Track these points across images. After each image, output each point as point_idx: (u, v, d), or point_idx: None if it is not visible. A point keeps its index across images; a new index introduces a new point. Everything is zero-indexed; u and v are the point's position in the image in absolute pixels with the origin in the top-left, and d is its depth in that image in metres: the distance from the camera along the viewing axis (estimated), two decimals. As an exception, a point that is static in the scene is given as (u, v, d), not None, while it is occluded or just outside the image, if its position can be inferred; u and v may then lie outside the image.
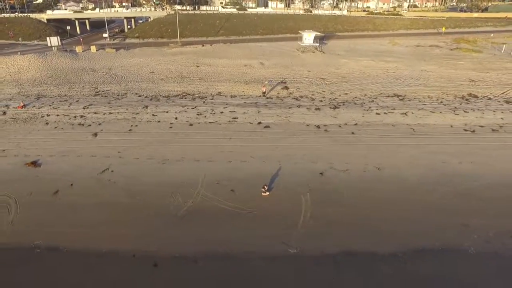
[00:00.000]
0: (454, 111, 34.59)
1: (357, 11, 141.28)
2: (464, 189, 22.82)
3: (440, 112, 34.23)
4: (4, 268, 17.69)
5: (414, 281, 16.64)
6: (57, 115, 34.18)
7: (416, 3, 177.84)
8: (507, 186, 22.68)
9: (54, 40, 58.88)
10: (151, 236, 19.07)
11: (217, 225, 19.71)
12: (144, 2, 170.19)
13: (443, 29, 76.57)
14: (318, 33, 61.76)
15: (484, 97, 38.92)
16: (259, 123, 31.57)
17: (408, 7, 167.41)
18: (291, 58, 53.40)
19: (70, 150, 27.74)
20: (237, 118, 32.36)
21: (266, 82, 41.33)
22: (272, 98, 38.26)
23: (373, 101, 37.19)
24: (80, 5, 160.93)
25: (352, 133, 29.84)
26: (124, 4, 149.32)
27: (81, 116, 33.68)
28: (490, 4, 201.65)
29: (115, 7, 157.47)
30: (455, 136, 29.85)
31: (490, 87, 42.12)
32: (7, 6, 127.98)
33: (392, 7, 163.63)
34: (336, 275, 16.77)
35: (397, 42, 65.59)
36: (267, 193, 21.92)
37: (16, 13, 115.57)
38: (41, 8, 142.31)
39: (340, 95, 38.83)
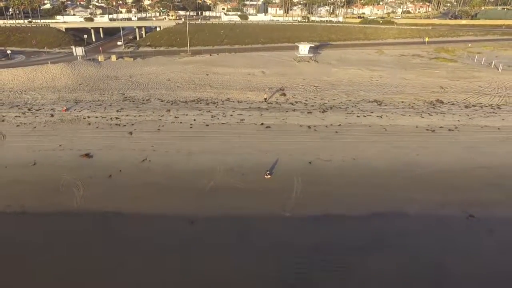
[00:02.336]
0: (421, 114, 42.32)
1: (353, 17, 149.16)
2: (417, 174, 30.40)
3: (409, 115, 41.95)
4: (81, 227, 25.16)
5: (370, 233, 24.14)
6: (96, 117, 41.79)
7: (410, 9, 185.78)
8: (447, 171, 30.28)
9: (79, 50, 66.47)
10: (186, 205, 26.55)
11: (233, 198, 27.22)
12: (149, 8, 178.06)
13: (427, 39, 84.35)
14: (313, 45, 69.39)
15: (448, 102, 46.65)
16: (262, 124, 39.25)
17: (401, 13, 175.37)
18: (289, 67, 61.12)
19: (112, 145, 35.29)
20: (244, 120, 40.06)
21: (267, 90, 48.97)
22: (272, 103, 45.96)
23: (355, 105, 44.90)
24: (88, 10, 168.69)
25: (336, 132, 37.50)
26: (132, 10, 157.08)
27: (116, 118, 41.30)
28: (483, 8, 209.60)
29: (122, 12, 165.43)
30: (418, 134, 37.52)
31: (456, 94, 49.85)
32: (18, 11, 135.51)
33: (386, 13, 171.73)
34: (316, 229, 24.37)
35: (384, 52, 73.31)
36: (269, 176, 29.52)
37: (30, 19, 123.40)
38: (51, 14, 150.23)
39: (328, 101, 46.54)
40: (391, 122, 39.99)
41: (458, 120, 40.69)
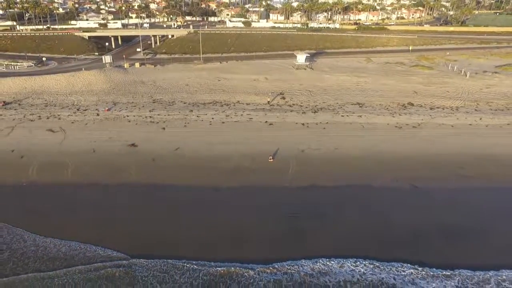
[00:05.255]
0: (393, 114, 52.80)
1: (349, 23, 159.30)
2: (382, 159, 40.78)
3: (383, 115, 52.44)
4: (138, 193, 35.53)
5: (343, 196, 34.53)
6: (134, 116, 52.36)
7: (404, 15, 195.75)
8: (404, 157, 40.62)
9: (107, 58, 77.04)
10: (212, 179, 36.94)
11: (246, 174, 37.68)
12: (157, 13, 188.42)
13: (410, 47, 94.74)
14: (309, 54, 79.86)
15: (417, 105, 57.13)
16: (266, 121, 49.80)
17: (395, 19, 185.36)
18: (288, 74, 71.68)
19: (151, 138, 45.80)
20: (252, 118, 50.66)
21: (270, 94, 59.54)
22: (274, 105, 56.56)
23: (341, 107, 55.45)
24: (100, 16, 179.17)
25: (324, 128, 48.02)
26: (142, 16, 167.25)
27: (150, 117, 51.88)
28: (476, 12, 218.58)
29: (132, 18, 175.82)
30: (388, 130, 47.97)
31: (426, 97, 60.29)
32: (34, 16, 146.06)
33: (381, 19, 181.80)
34: (305, 194, 34.87)
35: (371, 60, 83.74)
36: (272, 160, 40.04)
37: (48, 25, 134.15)
38: (66, 19, 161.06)
39: (320, 103, 57.08)
40: (368, 120, 50.48)
41: (422, 119, 51.16)
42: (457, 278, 23.11)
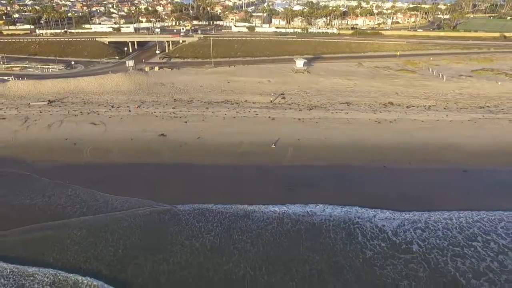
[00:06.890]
0: (374, 112, 63.54)
1: (346, 28, 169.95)
2: (361, 146, 51.43)
3: (366, 112, 63.21)
4: (170, 171, 46.28)
5: (328, 173, 45.23)
6: (160, 112, 63.26)
7: (399, 20, 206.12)
8: (379, 145, 51.28)
9: (130, 62, 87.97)
10: (227, 160, 47.65)
11: (253, 157, 48.36)
12: (165, 17, 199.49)
13: (398, 53, 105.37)
14: (306, 60, 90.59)
15: (396, 104, 67.85)
16: (269, 117, 60.63)
17: (391, 23, 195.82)
18: (288, 77, 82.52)
19: (176, 129, 56.62)
20: (258, 114, 61.51)
21: (272, 94, 70.39)
22: (276, 104, 67.42)
23: (332, 106, 66.26)
24: (112, 20, 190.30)
25: (316, 122, 58.81)
26: (152, 20, 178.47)
27: (173, 113, 62.75)
28: (472, 15, 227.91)
29: (143, 22, 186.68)
30: (369, 124, 58.62)
31: (405, 98, 70.96)
32: (50, 20, 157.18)
33: (377, 24, 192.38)
34: (298, 171, 45.62)
35: (362, 64, 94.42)
36: (274, 147, 50.86)
37: (65, 29, 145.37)
38: (80, 23, 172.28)
39: (314, 103, 67.90)
40: (353, 116, 61.25)
41: (398, 116, 61.86)
42: (400, 219, 33.96)
